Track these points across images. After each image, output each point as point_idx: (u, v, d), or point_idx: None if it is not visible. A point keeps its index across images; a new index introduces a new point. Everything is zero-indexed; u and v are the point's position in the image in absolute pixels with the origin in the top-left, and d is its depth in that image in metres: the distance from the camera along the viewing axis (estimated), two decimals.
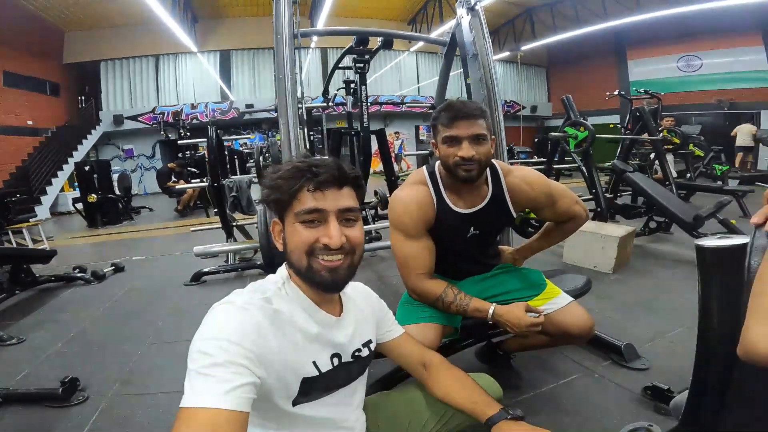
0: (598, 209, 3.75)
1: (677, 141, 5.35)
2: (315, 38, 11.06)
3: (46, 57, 11.11)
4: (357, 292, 0.91)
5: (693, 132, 8.37)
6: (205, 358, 0.59)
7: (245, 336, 0.63)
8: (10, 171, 9.12)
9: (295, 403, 0.72)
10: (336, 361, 0.77)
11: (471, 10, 2.54)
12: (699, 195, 5.31)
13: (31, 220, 5.71)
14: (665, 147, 4.98)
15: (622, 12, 10.68)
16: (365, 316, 0.88)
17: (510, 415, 0.79)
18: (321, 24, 9.74)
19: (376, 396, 0.99)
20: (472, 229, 1.30)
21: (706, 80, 12.20)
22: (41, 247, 4.94)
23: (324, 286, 0.73)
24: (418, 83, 14.88)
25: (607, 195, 4.00)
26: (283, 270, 0.79)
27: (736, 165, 8.69)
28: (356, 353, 0.82)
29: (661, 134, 4.88)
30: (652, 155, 5.49)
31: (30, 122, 10.39)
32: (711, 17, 10.23)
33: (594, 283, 1.65)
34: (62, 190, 9.38)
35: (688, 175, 5.75)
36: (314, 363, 0.73)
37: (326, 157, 0.75)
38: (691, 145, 6.26)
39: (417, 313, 1.29)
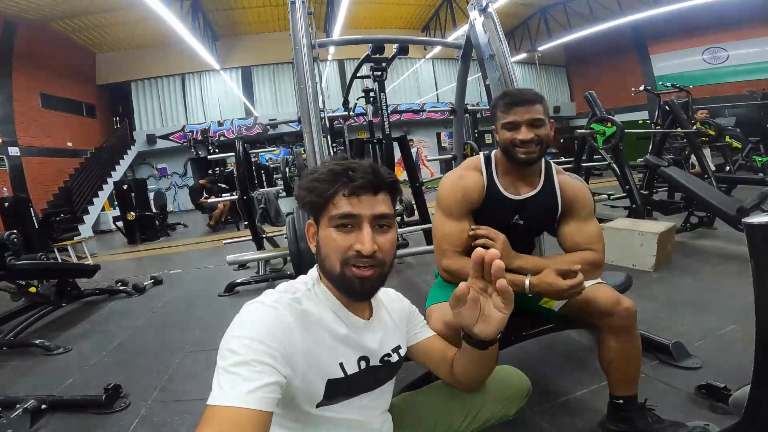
0: (633, 206, 3.61)
1: (712, 133, 5.11)
2: (332, 50, 11.31)
3: (79, 79, 11.51)
4: (389, 298, 0.90)
5: (728, 124, 8.01)
6: (232, 356, 0.59)
7: (271, 334, 0.63)
8: (53, 192, 9.62)
9: (318, 405, 0.71)
10: (363, 364, 0.76)
11: (483, 11, 2.54)
12: (740, 188, 5.04)
13: (75, 238, 6.03)
14: (700, 140, 4.77)
15: (636, 7, 10.46)
16: (395, 321, 0.87)
17: None
18: (336, 36, 9.96)
19: (400, 397, 0.97)
20: (516, 217, 1.30)
21: (735, 72, 12.03)
22: (85, 263, 5.20)
23: (354, 294, 0.73)
24: (437, 90, 14.87)
25: (642, 191, 3.86)
26: (314, 271, 0.80)
27: None
28: (385, 358, 0.81)
29: (695, 127, 4.68)
30: (687, 150, 5.27)
31: (69, 144, 10.80)
32: (731, 8, 10.09)
33: (634, 281, 1.58)
34: (103, 209, 9.84)
35: (728, 168, 5.47)
36: (341, 364, 0.73)
37: (363, 161, 0.75)
38: (727, 137, 5.98)
39: (450, 292, 1.25)
